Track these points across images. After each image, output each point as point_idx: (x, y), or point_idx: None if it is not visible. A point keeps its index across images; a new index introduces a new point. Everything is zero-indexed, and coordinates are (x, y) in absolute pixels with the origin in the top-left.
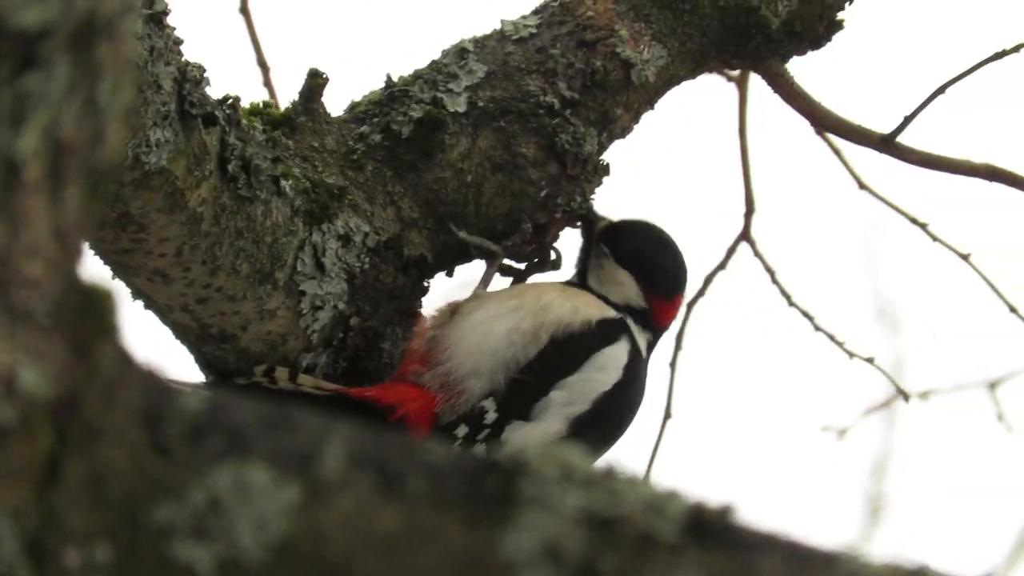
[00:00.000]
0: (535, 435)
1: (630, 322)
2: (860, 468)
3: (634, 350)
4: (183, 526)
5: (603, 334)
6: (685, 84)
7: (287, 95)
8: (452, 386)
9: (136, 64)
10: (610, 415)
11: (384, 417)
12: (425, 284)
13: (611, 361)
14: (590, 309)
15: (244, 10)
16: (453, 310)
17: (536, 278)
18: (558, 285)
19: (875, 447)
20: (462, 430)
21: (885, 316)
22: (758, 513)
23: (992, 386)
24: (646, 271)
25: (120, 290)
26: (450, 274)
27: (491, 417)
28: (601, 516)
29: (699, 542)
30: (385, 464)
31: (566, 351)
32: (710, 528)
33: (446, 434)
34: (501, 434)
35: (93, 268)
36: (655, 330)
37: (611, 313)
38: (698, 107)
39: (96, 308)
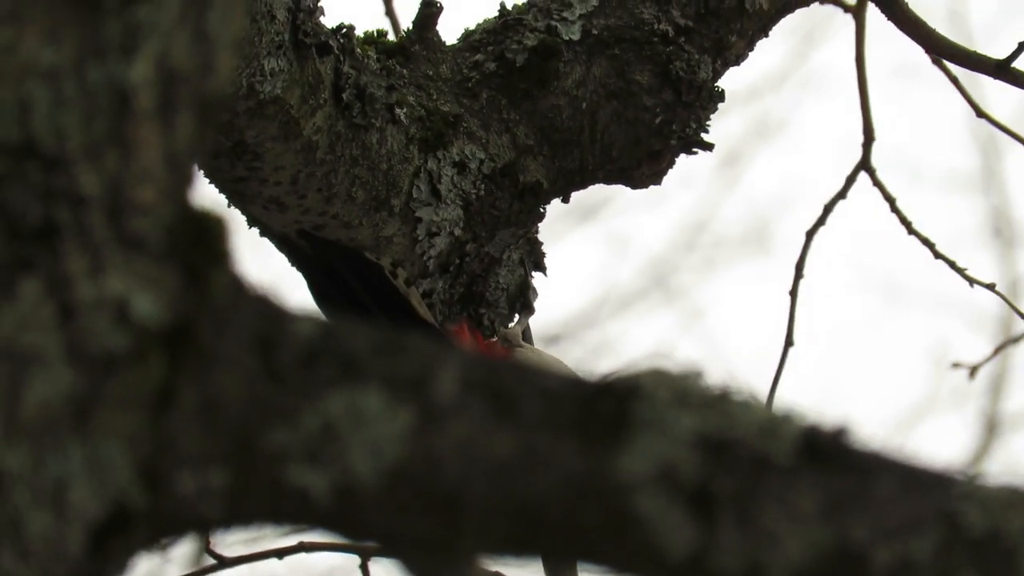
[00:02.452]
0: None
1: None
2: (976, 387)
3: None
4: (297, 452)
5: None
6: (800, 12)
7: (404, 25)
8: None
9: None
10: None
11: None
12: (541, 210)
13: None
14: None
15: None
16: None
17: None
18: None
19: (991, 365)
20: None
21: (1003, 240)
22: (873, 436)
23: None
24: None
25: (235, 218)
26: (566, 200)
27: None
28: (715, 439)
29: (814, 464)
30: (498, 388)
31: None
32: (824, 450)
33: None
34: None
35: (209, 197)
36: None
37: None
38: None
39: (209, 234)
